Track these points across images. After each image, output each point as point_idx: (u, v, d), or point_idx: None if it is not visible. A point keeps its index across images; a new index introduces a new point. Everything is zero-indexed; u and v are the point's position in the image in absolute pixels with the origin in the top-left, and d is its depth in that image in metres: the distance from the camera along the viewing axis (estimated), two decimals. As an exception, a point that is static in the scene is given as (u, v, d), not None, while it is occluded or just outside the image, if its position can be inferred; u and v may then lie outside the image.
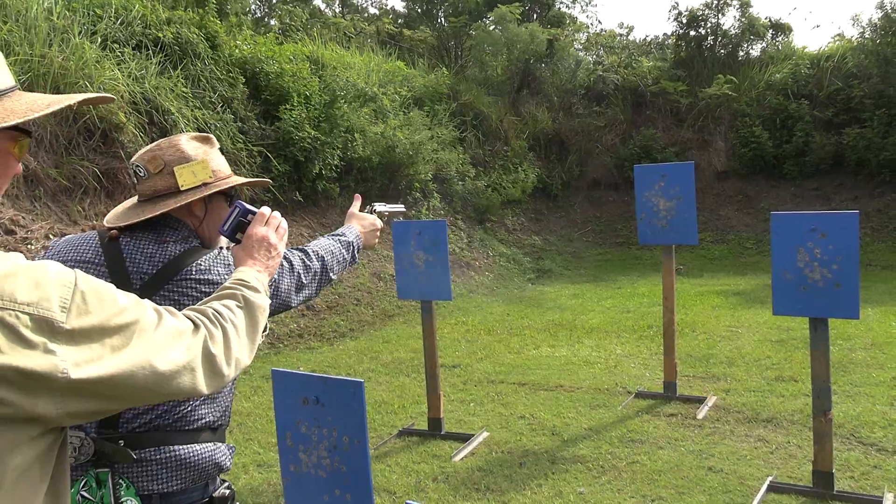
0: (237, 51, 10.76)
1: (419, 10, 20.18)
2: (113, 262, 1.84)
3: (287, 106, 10.36)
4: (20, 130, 1.22)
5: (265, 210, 1.75)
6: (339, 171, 11.06)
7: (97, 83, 8.17)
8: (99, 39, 8.79)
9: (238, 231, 1.75)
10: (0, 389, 0.98)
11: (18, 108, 1.17)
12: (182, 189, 1.88)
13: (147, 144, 8.51)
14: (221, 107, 9.95)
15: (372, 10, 30.20)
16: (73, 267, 1.87)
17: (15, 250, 6.54)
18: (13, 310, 1.01)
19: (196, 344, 1.26)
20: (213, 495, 1.92)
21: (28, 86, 7.72)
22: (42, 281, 1.06)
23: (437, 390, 5.25)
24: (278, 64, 10.91)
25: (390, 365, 7.22)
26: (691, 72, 16.62)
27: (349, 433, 2.46)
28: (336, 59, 12.95)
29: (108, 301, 1.14)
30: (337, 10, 27.22)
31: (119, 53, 8.95)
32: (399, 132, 11.95)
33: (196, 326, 1.29)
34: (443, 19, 19.74)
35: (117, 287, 1.82)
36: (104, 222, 1.99)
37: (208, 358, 1.27)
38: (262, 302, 1.53)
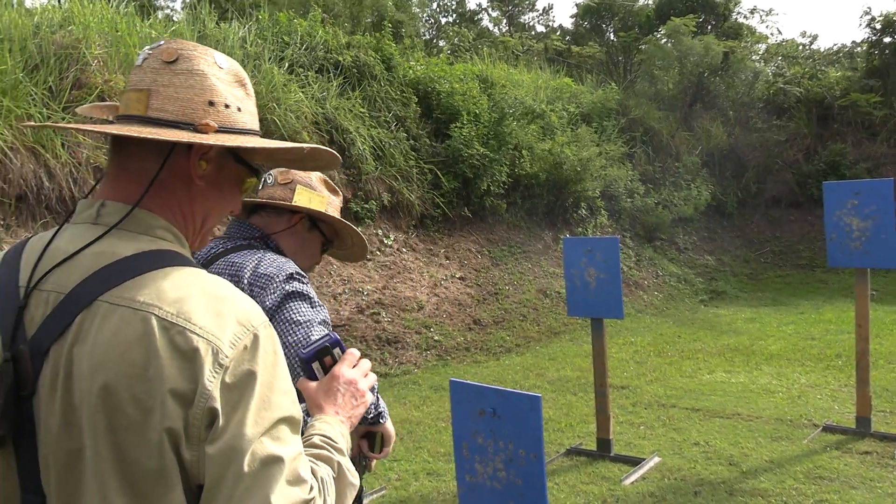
0: (411, 72, 11.15)
1: (587, 27, 20.03)
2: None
3: (457, 124, 10.58)
4: (250, 169, 1.27)
5: (355, 352, 1.47)
6: (507, 187, 11.14)
7: (284, 105, 8.74)
8: (286, 64, 9.42)
9: (319, 358, 1.44)
10: (165, 404, 0.99)
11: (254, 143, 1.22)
12: (293, 203, 2.07)
13: (327, 162, 8.97)
14: (395, 126, 10.33)
15: (539, 28, 30.37)
16: None
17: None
18: (184, 328, 1.01)
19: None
20: None
21: (225, 109, 8.38)
22: (225, 312, 1.05)
23: (606, 411, 5.13)
24: (449, 83, 11.19)
25: (556, 382, 7.14)
26: (886, 81, 15.34)
27: (525, 447, 2.45)
28: (504, 77, 13.09)
29: (275, 370, 1.07)
30: (504, 30, 27.59)
31: (303, 77, 9.54)
32: (567, 149, 11.88)
33: (312, 490, 1.09)
34: (612, 34, 19.47)
35: None
36: None
37: None
38: (354, 481, 1.25)
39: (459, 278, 9.79)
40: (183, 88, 1.16)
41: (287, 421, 1.06)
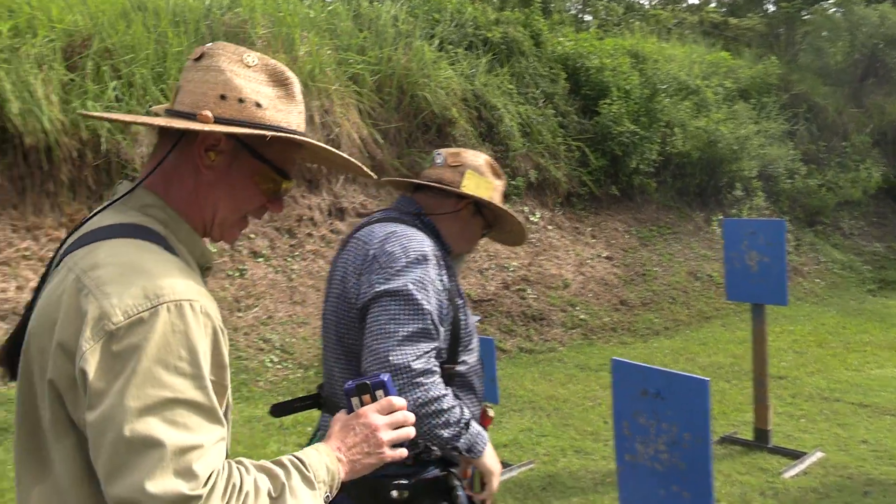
0: (559, 47, 10.98)
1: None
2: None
3: (607, 100, 10.32)
4: (272, 167, 1.25)
5: (397, 401, 1.33)
6: (657, 165, 10.78)
7: (434, 82, 8.84)
8: (437, 42, 9.51)
9: (359, 394, 1.34)
10: (56, 358, 1.04)
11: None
12: (461, 189, 2.01)
13: (476, 139, 8.97)
14: (543, 102, 10.22)
15: (693, 0, 29.02)
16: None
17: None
18: (90, 292, 1.03)
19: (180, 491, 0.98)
20: None
21: (377, 85, 8.60)
22: (135, 283, 1.04)
23: (765, 400, 4.88)
24: (599, 59, 10.93)
25: (708, 368, 6.87)
26: None
27: (691, 431, 2.38)
28: (657, 51, 12.63)
29: (177, 349, 1.02)
30: (653, 2, 26.57)
31: (453, 53, 9.60)
32: (722, 126, 11.32)
33: (202, 488, 1.00)
34: (772, 5, 18.32)
35: None
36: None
37: None
38: None
39: (606, 258, 9.60)
40: (200, 83, 1.21)
41: (190, 406, 1.01)
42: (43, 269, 1.23)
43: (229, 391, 1.15)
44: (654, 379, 2.42)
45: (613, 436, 2.61)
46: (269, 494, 1.09)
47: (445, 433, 1.77)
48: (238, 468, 1.08)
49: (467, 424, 1.81)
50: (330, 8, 9.13)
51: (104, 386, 0.99)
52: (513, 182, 9.36)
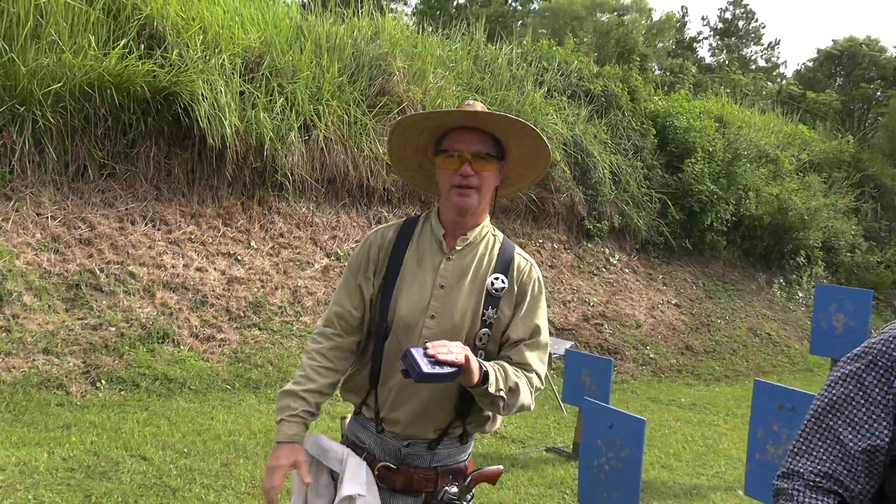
0: (651, 104, 11.81)
1: (829, 72, 19.63)
2: None
3: (691, 159, 11.11)
4: (435, 149, 1.87)
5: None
6: (729, 225, 11.51)
7: (541, 125, 9.71)
8: (545, 88, 10.40)
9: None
10: None
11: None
12: None
13: (571, 181, 9.72)
14: (633, 154, 11.04)
15: (761, 63, 29.73)
16: None
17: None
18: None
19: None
20: None
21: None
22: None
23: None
24: (687, 119, 11.73)
25: (771, 416, 7.57)
26: None
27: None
28: (740, 118, 13.40)
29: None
30: (721, 59, 27.28)
31: (558, 100, 10.49)
32: (795, 196, 12.03)
33: (321, 322, 1.95)
34: (851, 84, 18.99)
35: None
36: None
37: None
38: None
39: (675, 304, 10.33)
40: None
41: (342, 281, 1.99)
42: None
43: (371, 283, 1.89)
44: (792, 397, 3.21)
45: (748, 437, 3.39)
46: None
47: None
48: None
49: None
50: (456, 46, 10.07)
51: None
52: (598, 224, 10.17)
